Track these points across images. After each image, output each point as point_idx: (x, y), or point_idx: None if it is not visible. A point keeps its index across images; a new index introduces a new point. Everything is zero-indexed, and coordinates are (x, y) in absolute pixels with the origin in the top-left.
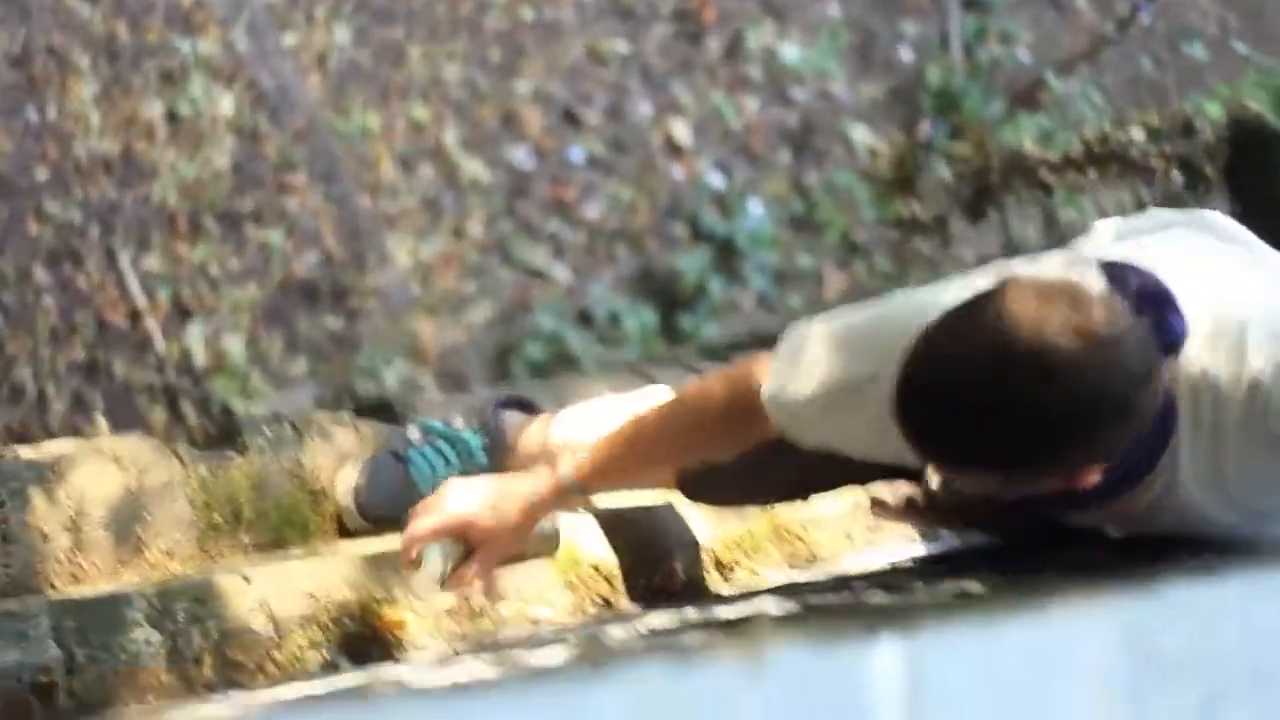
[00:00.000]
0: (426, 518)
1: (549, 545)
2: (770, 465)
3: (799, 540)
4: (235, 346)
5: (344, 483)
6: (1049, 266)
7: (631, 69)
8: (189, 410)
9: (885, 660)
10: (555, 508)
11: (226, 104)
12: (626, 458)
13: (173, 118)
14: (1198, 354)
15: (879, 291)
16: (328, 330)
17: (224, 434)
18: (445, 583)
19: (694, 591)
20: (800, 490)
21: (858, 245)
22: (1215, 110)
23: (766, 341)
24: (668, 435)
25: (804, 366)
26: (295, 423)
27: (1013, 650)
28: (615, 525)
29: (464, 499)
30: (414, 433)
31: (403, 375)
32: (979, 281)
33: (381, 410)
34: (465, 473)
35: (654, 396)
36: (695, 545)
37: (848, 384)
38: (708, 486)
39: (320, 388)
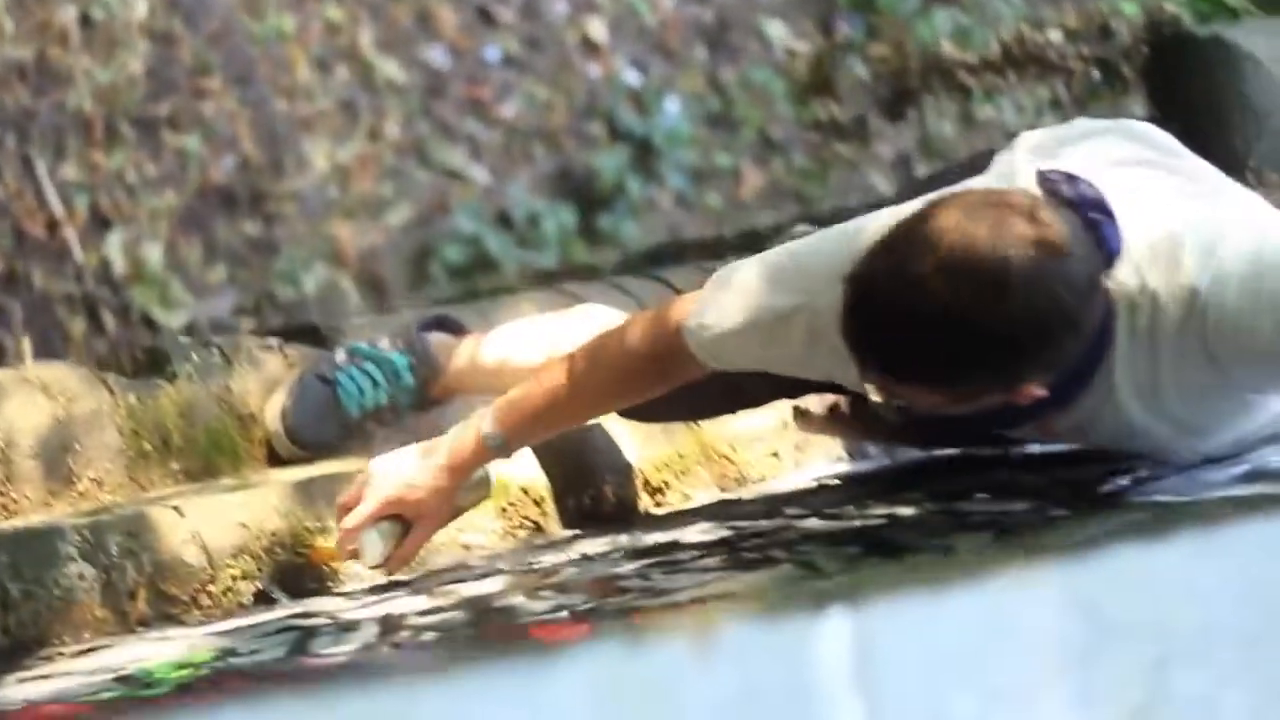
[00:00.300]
0: (356, 506)
1: (481, 492)
2: (701, 381)
3: (727, 460)
4: (154, 254)
5: (272, 408)
6: (986, 183)
7: None
8: (109, 320)
9: (833, 636)
10: (479, 465)
11: (140, 7)
12: (550, 411)
13: (86, 22)
14: (1136, 266)
15: (797, 189)
16: (246, 236)
17: (152, 361)
18: (389, 564)
19: (625, 514)
20: (730, 405)
21: (775, 142)
22: (1132, 9)
23: (685, 244)
24: (593, 384)
25: (727, 301)
26: (223, 348)
27: (960, 620)
28: (545, 448)
29: (389, 477)
30: (340, 355)
31: (322, 280)
32: (907, 211)
33: (308, 334)
34: (393, 394)
35: (581, 315)
36: (627, 468)
37: (772, 315)
38: (639, 405)
39: (240, 294)
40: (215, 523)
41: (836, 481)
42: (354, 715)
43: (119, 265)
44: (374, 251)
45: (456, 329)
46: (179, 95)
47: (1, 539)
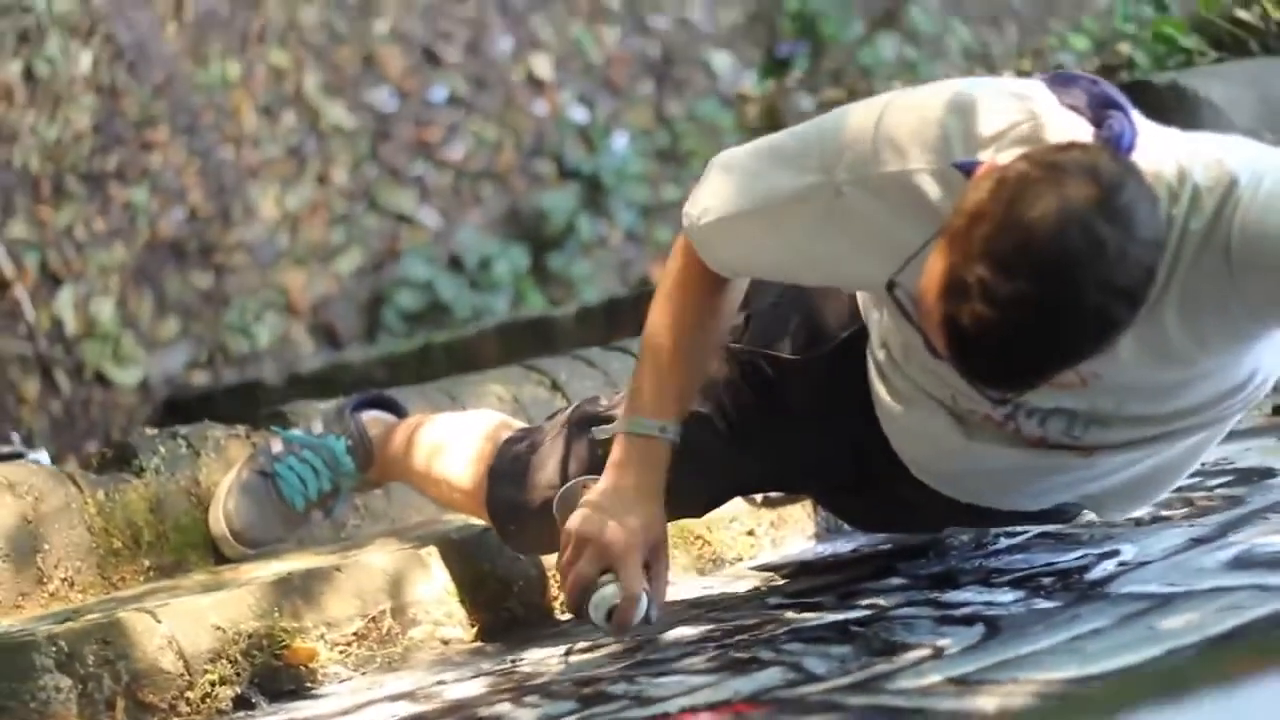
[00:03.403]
0: (593, 583)
1: None
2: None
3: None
4: (105, 310)
5: (215, 512)
6: (1003, 111)
7: (489, 3)
8: (63, 380)
9: None
10: (662, 460)
11: (85, 61)
12: (668, 369)
13: (30, 77)
14: (1181, 157)
15: None
16: (197, 288)
17: (119, 456)
18: (659, 607)
19: (538, 621)
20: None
21: None
22: (1082, 44)
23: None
24: (670, 321)
25: (727, 184)
26: (189, 439)
27: None
28: (453, 562)
29: (616, 543)
30: (276, 445)
31: (275, 330)
32: (926, 92)
33: (275, 420)
34: (335, 480)
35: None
36: (539, 576)
37: (782, 195)
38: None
39: (193, 348)
40: (191, 627)
41: (813, 559)
42: None
43: (70, 323)
44: (326, 300)
45: (394, 408)
46: (126, 148)
47: None
